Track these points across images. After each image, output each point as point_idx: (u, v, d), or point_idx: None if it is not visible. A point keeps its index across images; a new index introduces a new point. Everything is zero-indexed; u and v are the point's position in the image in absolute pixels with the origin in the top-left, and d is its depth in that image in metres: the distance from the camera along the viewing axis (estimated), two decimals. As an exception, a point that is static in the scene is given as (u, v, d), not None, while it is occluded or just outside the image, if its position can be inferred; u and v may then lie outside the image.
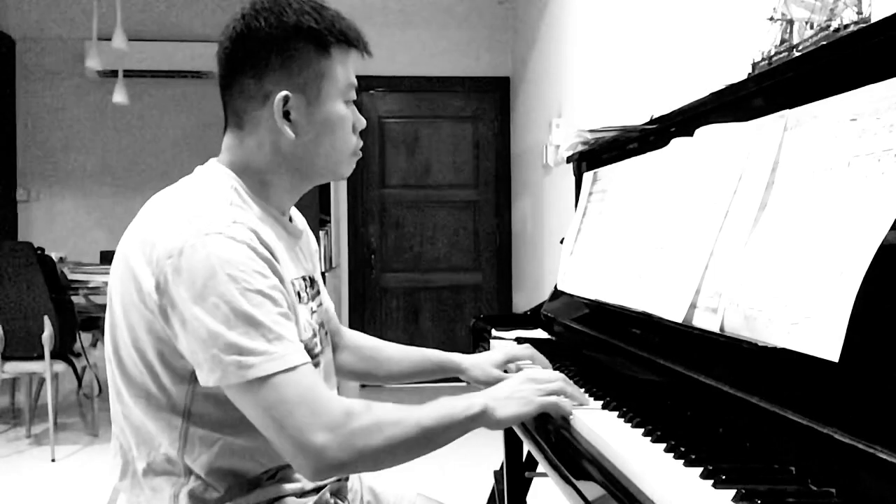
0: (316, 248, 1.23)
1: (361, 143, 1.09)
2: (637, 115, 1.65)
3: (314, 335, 1.07)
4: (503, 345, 1.60)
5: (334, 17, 1.02)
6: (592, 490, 0.84)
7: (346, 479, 1.17)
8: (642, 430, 0.91)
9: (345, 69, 1.04)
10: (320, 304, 1.16)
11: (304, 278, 1.08)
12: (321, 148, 1.03)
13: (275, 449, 0.90)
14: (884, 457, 0.62)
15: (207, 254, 0.88)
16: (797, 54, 1.08)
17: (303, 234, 1.16)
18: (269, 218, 1.02)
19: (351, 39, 1.03)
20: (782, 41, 1.17)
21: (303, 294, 1.06)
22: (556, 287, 1.74)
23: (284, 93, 0.98)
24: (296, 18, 0.98)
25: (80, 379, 3.86)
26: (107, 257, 4.49)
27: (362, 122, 1.08)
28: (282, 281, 0.95)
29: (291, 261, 1.05)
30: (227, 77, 1.02)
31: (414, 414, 0.94)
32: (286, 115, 0.99)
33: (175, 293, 0.88)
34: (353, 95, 1.06)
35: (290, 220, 1.12)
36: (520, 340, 1.61)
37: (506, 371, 1.31)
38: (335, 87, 1.02)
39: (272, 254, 0.94)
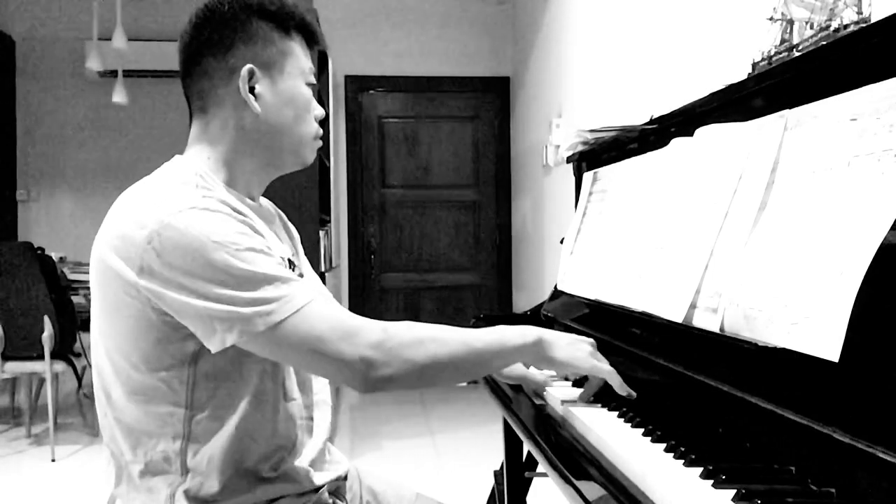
0: (297, 237, 1.24)
1: (322, 132, 1.12)
2: (637, 115, 1.65)
3: None
4: None
5: (294, 8, 1.06)
6: (592, 490, 0.84)
7: (345, 478, 1.17)
8: (642, 430, 0.91)
9: (306, 55, 1.08)
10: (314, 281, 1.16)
11: (282, 258, 1.08)
12: (285, 127, 1.05)
13: (325, 378, 0.95)
14: (884, 457, 0.62)
15: (187, 228, 0.88)
16: (797, 54, 1.08)
17: (276, 219, 1.18)
18: (236, 200, 1.02)
19: (308, 27, 1.08)
20: (782, 41, 1.17)
21: None
22: (556, 287, 1.74)
23: (250, 66, 1.01)
24: (258, 1, 1.03)
25: (80, 379, 3.86)
26: (107, 257, 4.48)
27: (321, 111, 1.11)
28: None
29: (268, 238, 1.05)
30: (189, 62, 1.04)
31: (461, 334, 0.97)
32: (251, 90, 1.02)
33: (164, 274, 0.88)
34: (314, 81, 1.09)
35: (260, 206, 1.13)
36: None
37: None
38: (298, 68, 1.06)
39: (247, 219, 0.96)
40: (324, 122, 1.12)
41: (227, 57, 1.01)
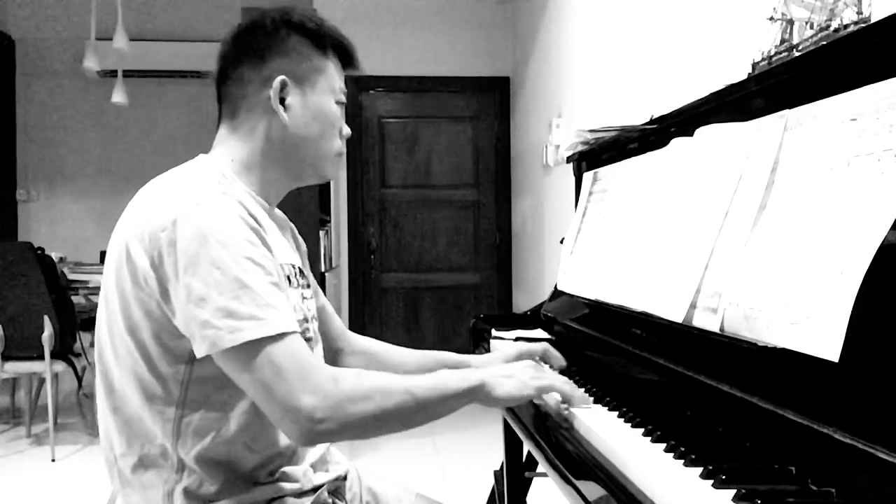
0: (305, 248, 1.26)
1: (345, 150, 1.15)
2: (637, 115, 1.65)
3: (305, 320, 1.08)
4: (513, 344, 1.59)
5: (333, 29, 1.11)
6: (592, 490, 0.84)
7: (345, 478, 1.18)
8: (642, 430, 0.91)
9: (339, 74, 1.11)
10: (312, 296, 1.17)
11: (292, 265, 1.09)
12: (310, 139, 1.08)
13: (267, 415, 0.91)
14: (884, 457, 0.62)
15: (199, 223, 0.90)
16: (797, 54, 1.08)
17: (288, 227, 1.20)
18: (254, 203, 1.04)
19: (345, 49, 1.12)
20: (782, 41, 1.17)
21: (293, 279, 1.07)
22: (556, 287, 1.74)
23: (283, 77, 1.05)
24: (299, 19, 1.07)
25: (80, 379, 3.86)
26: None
27: (348, 130, 1.14)
28: (271, 252, 0.96)
29: (280, 244, 1.07)
30: (226, 69, 1.07)
31: (406, 383, 0.96)
32: (282, 101, 1.05)
33: (169, 265, 0.90)
34: (344, 100, 1.12)
35: (275, 213, 1.15)
36: (520, 340, 1.61)
37: None
38: (329, 85, 1.09)
39: (260, 226, 0.97)
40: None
41: (262, 67, 1.05)
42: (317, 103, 1.07)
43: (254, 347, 0.87)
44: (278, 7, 1.08)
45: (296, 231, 1.24)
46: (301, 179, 1.13)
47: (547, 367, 1.29)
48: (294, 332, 0.91)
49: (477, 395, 0.99)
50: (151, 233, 0.92)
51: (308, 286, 1.16)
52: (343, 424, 0.88)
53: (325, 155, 1.10)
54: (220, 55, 1.08)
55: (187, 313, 0.89)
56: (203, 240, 0.89)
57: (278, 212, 1.19)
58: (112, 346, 0.98)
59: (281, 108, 1.05)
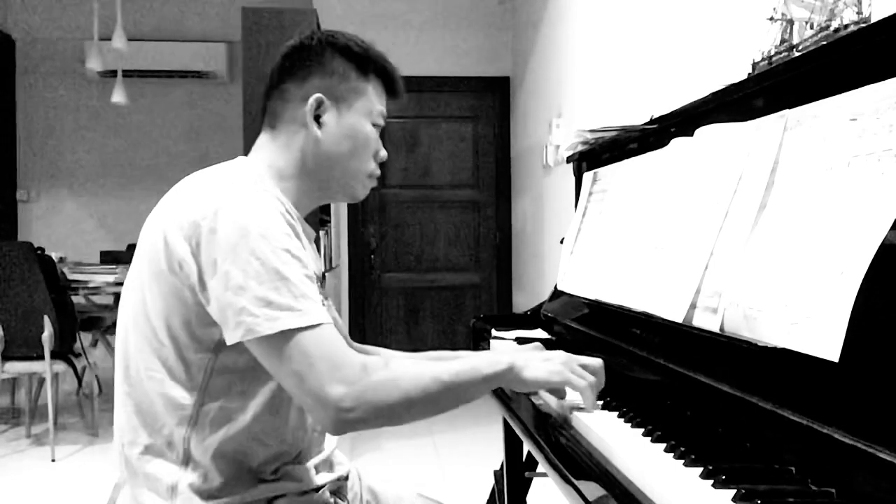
0: (322, 261, 1.26)
1: (379, 173, 1.17)
2: (637, 115, 1.65)
3: None
4: (513, 344, 1.59)
5: (379, 55, 1.13)
6: (592, 490, 0.84)
7: (346, 478, 1.18)
8: (642, 430, 0.91)
9: (379, 98, 1.14)
10: (330, 306, 1.18)
11: (315, 273, 1.10)
12: (341, 157, 1.11)
13: (299, 404, 0.95)
14: (884, 457, 0.62)
15: (241, 214, 0.93)
16: (797, 54, 1.08)
17: (312, 239, 1.21)
18: (288, 206, 1.06)
19: (389, 76, 1.14)
20: (782, 41, 1.17)
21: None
22: (556, 287, 1.74)
23: (319, 95, 1.08)
24: (345, 42, 1.10)
25: (80, 379, 3.86)
26: (107, 257, 4.49)
27: (384, 153, 1.17)
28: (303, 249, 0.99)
29: (308, 250, 1.09)
30: (273, 83, 1.12)
31: (433, 369, 0.98)
32: (317, 118, 1.09)
33: (208, 253, 0.93)
34: (381, 123, 1.15)
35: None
36: (520, 340, 1.61)
37: None
38: (366, 107, 1.12)
39: (294, 223, 1.00)
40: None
41: (303, 84, 1.09)
42: (351, 123, 1.10)
43: (288, 336, 0.90)
44: (328, 31, 1.13)
45: (314, 245, 1.26)
46: (330, 196, 1.16)
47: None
48: (327, 324, 0.93)
49: (505, 378, 1.01)
50: (192, 221, 0.95)
51: (326, 297, 1.17)
52: (372, 412, 0.91)
53: (355, 174, 1.13)
54: (271, 70, 1.13)
55: (223, 300, 0.91)
56: (244, 231, 0.92)
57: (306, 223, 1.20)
58: (136, 331, 1.00)
59: (315, 125, 1.08)
